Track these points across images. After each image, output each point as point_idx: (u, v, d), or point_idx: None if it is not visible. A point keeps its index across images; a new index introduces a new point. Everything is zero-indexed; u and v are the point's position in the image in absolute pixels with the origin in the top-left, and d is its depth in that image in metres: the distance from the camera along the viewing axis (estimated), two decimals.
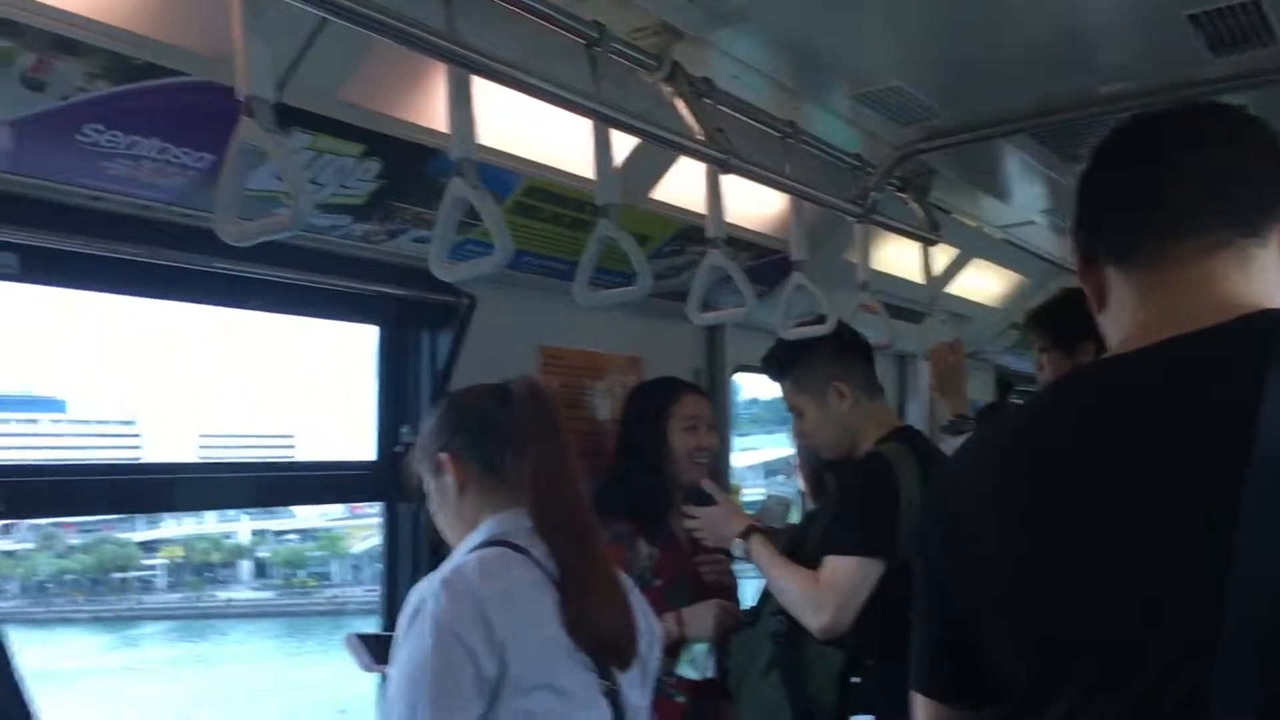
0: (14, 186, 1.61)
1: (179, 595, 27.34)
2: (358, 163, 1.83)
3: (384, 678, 2.12)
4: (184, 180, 1.67)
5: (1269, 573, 0.85)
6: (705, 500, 2.53)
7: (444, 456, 1.74)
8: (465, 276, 1.77)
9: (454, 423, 1.77)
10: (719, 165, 1.99)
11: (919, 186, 2.94)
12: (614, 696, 1.67)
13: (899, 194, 2.89)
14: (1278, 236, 1.04)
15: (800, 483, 3.38)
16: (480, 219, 1.53)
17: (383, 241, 2.09)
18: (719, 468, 3.26)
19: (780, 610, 2.34)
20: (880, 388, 2.59)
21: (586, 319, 2.67)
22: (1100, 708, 0.93)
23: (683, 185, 2.40)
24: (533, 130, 2.06)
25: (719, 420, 3.28)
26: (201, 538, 28.14)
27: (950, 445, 2.99)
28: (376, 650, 1.94)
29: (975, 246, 3.82)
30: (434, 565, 2.35)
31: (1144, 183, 1.08)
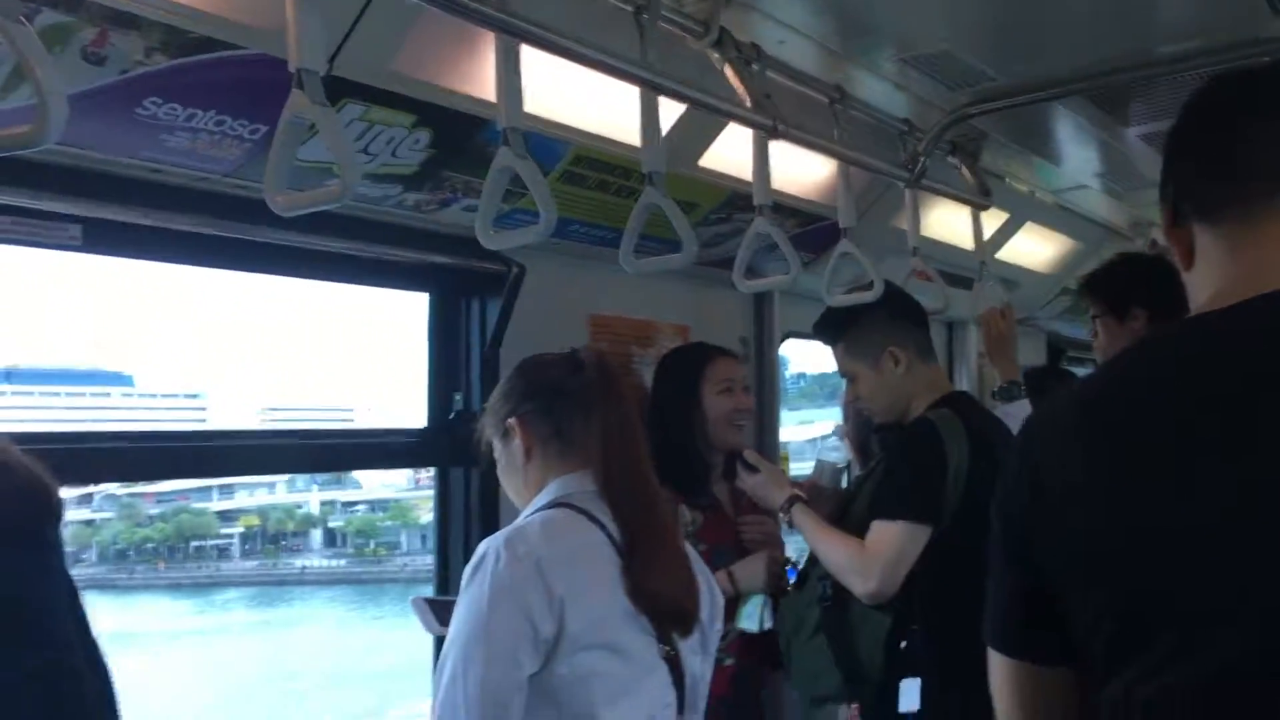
0: (75, 159, 1.65)
1: (255, 562, 28.22)
2: (409, 133, 1.85)
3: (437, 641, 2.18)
4: (240, 152, 1.70)
5: None
6: (751, 469, 2.54)
7: (512, 421, 1.77)
8: (510, 245, 1.79)
9: (523, 389, 1.80)
10: (766, 131, 1.98)
11: (969, 151, 2.91)
12: (674, 662, 1.69)
13: (949, 158, 2.86)
14: None
15: (847, 448, 3.38)
16: (527, 188, 1.54)
17: (434, 211, 2.12)
18: (767, 436, 3.28)
19: (827, 574, 2.35)
20: (934, 352, 2.58)
21: (635, 287, 2.69)
22: (1181, 672, 0.94)
23: (730, 152, 2.39)
24: (581, 98, 2.06)
25: (767, 387, 3.29)
26: (274, 507, 29.01)
27: (1002, 411, 2.97)
28: (441, 613, 1.97)
29: (1027, 211, 3.77)
30: (485, 531, 2.41)
31: (1236, 140, 1.07)
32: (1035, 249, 4.20)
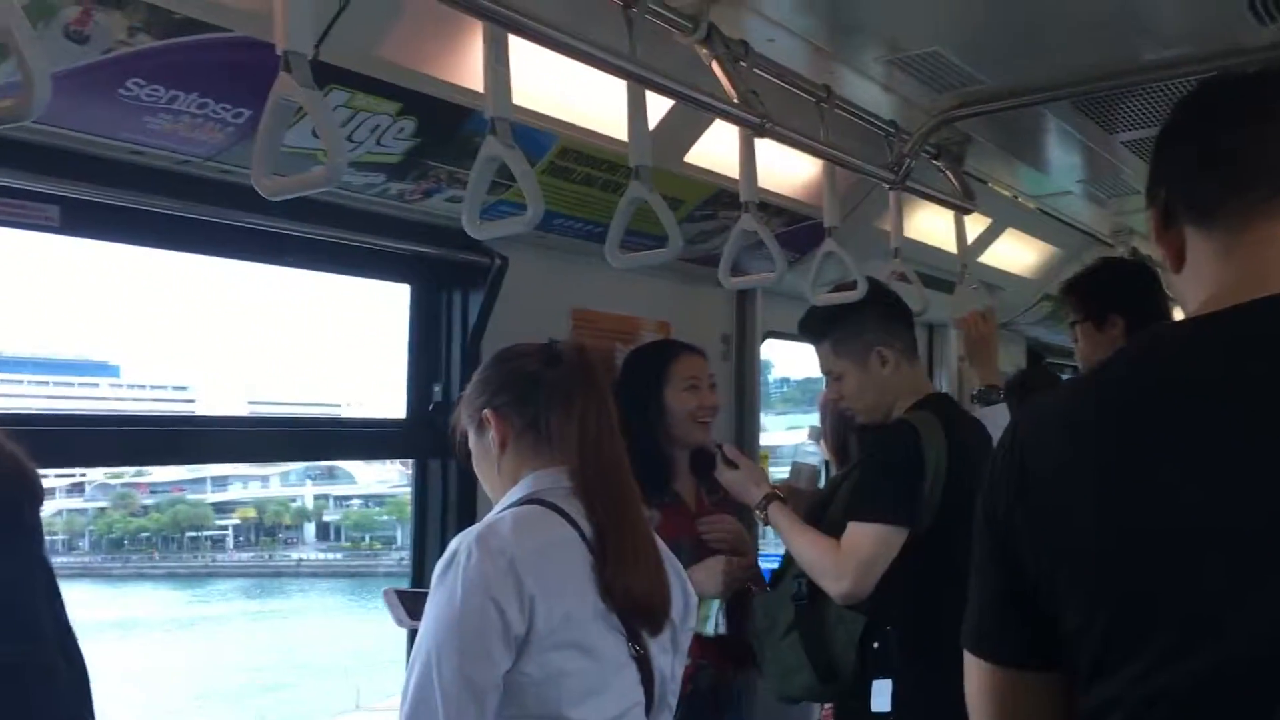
0: (55, 139, 1.63)
1: (250, 554, 28.44)
2: (393, 121, 1.84)
3: (409, 634, 2.16)
4: (222, 136, 1.68)
5: None
6: (730, 465, 2.53)
7: (488, 413, 1.75)
8: (496, 235, 1.78)
9: (499, 380, 1.77)
10: (753, 129, 1.98)
11: (954, 154, 2.91)
12: (643, 662, 1.68)
13: (933, 161, 2.86)
14: None
15: (824, 449, 3.38)
16: (513, 179, 1.53)
17: (417, 200, 2.10)
18: (746, 435, 3.28)
19: (802, 573, 2.35)
20: (918, 353, 2.58)
21: (618, 282, 2.68)
22: (1178, 673, 0.93)
23: (716, 149, 2.39)
24: (568, 91, 2.06)
25: (748, 386, 3.29)
26: (270, 501, 29.22)
27: (980, 414, 2.98)
28: (412, 606, 1.96)
29: (1009, 216, 3.79)
30: (463, 523, 2.39)
31: (1229, 143, 1.07)
32: (1017, 254, 4.22)
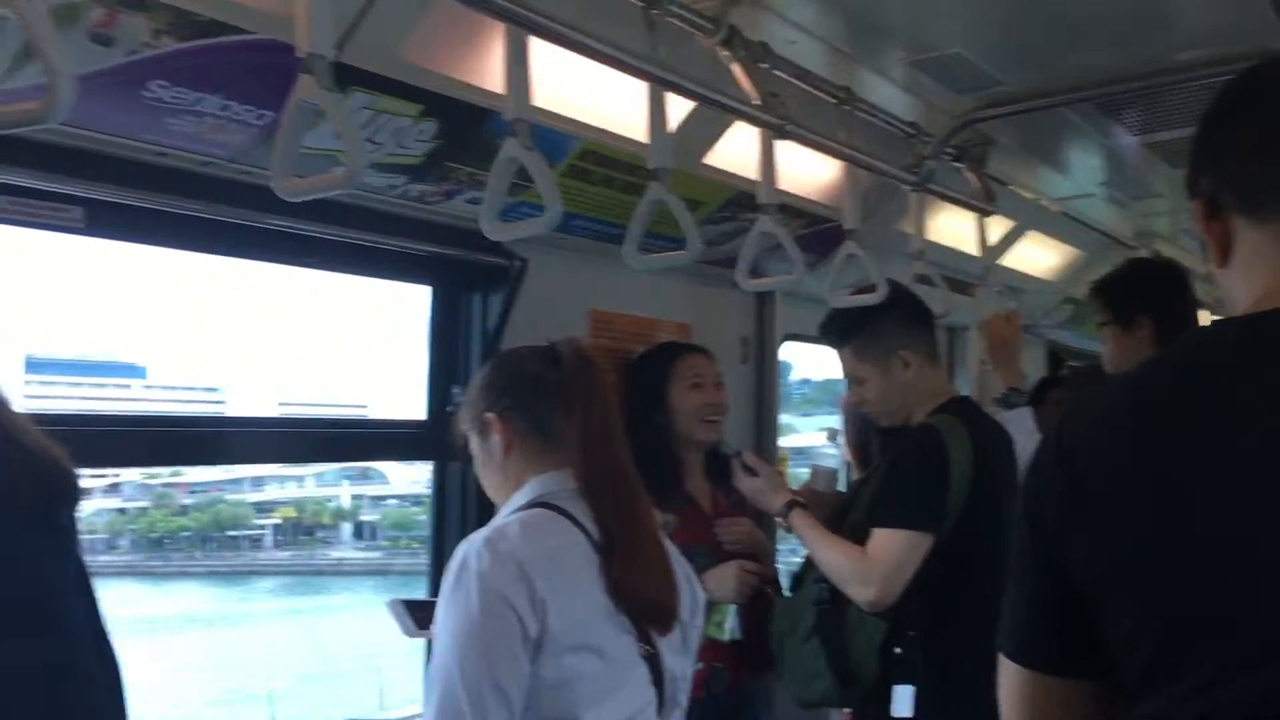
0: (79, 140, 1.64)
1: (290, 553, 28.93)
2: (415, 123, 1.84)
3: (427, 643, 2.15)
4: (245, 137, 1.69)
5: None
6: (750, 472, 2.53)
7: (491, 416, 1.74)
8: (515, 236, 1.78)
9: (501, 383, 1.76)
10: (774, 131, 1.98)
11: (976, 156, 2.90)
12: (653, 661, 1.67)
13: (955, 163, 2.85)
14: None
15: (846, 452, 3.37)
16: (533, 180, 1.53)
17: (438, 202, 2.11)
18: (765, 438, 3.27)
19: (824, 577, 2.34)
20: (939, 357, 2.56)
21: (637, 284, 2.68)
22: (1233, 687, 0.89)
23: (736, 151, 2.39)
24: (588, 93, 2.06)
25: (767, 389, 3.28)
26: (306, 501, 29.69)
27: (1002, 418, 2.97)
28: (418, 615, 1.95)
29: (1031, 219, 3.77)
30: (482, 524, 2.40)
31: None
32: (1038, 257, 4.19)
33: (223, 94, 1.60)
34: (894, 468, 2.38)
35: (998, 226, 3.48)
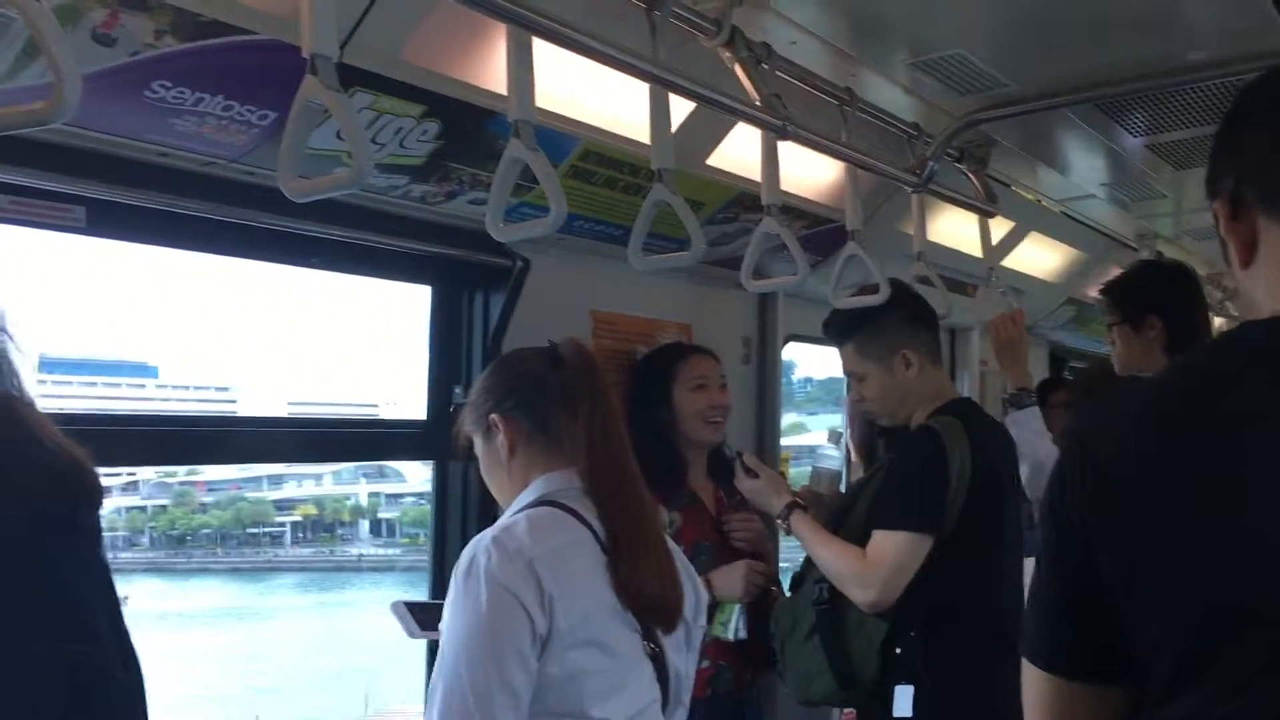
0: (81, 140, 1.64)
1: (310, 550, 29.36)
2: (417, 123, 1.84)
3: (431, 644, 2.15)
4: (247, 138, 1.69)
5: None
6: (750, 474, 2.53)
7: (495, 418, 1.75)
8: (519, 237, 1.78)
9: (504, 385, 1.77)
10: (776, 131, 1.98)
11: (977, 157, 2.90)
12: (658, 659, 1.68)
13: (956, 164, 2.85)
14: None
15: (851, 451, 3.37)
16: (536, 181, 1.53)
17: (440, 203, 2.11)
18: (767, 438, 3.27)
19: (823, 577, 2.34)
20: (941, 357, 2.56)
21: (639, 284, 2.68)
22: (1265, 694, 0.89)
23: (738, 152, 2.39)
24: (591, 94, 2.06)
25: (769, 389, 3.28)
26: (324, 498, 30.05)
27: (1011, 418, 2.97)
28: (422, 617, 1.95)
29: (1032, 219, 3.77)
30: (483, 525, 2.39)
31: None
32: (1040, 258, 4.19)
33: (225, 94, 1.60)
34: (894, 469, 2.39)
35: (999, 227, 3.48)
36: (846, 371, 2.54)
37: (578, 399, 1.71)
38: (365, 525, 30.01)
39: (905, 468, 2.35)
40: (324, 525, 29.94)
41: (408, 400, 2.55)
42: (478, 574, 1.54)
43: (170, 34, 1.46)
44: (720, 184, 2.51)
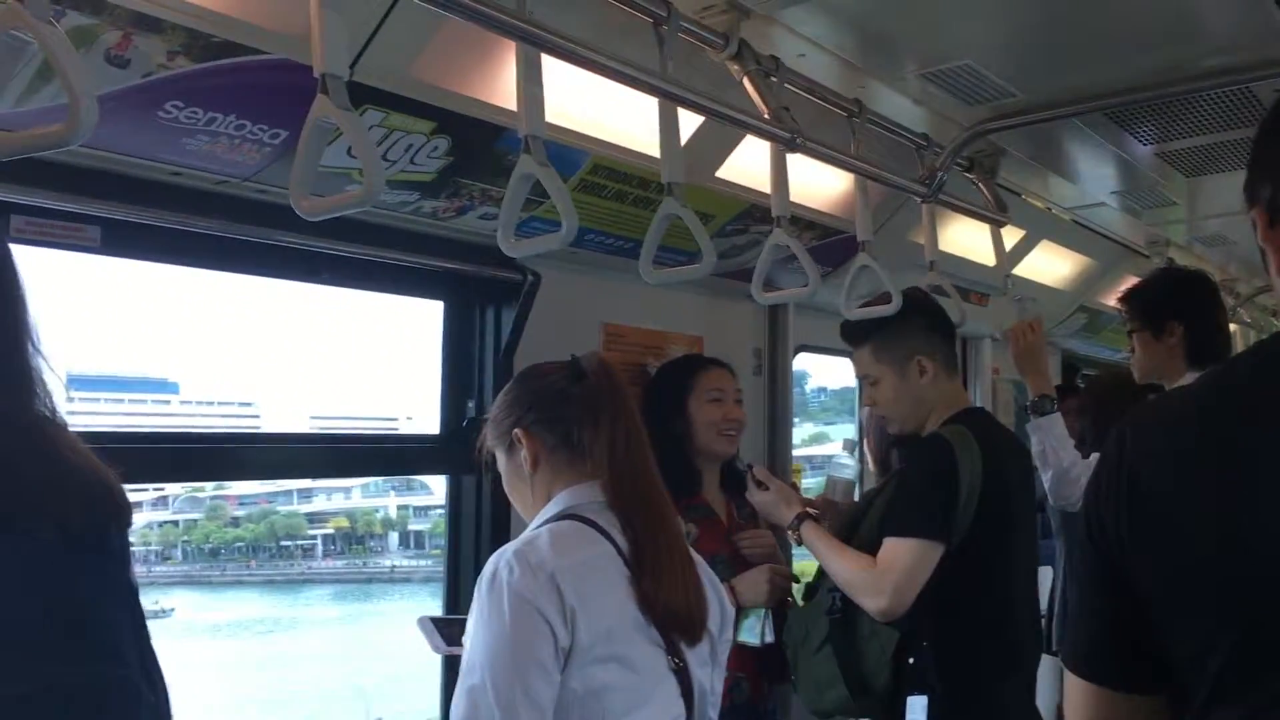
0: (96, 161, 1.66)
1: (343, 562, 29.97)
2: (427, 140, 1.85)
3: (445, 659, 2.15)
4: (260, 156, 1.70)
5: None
6: (761, 486, 2.53)
7: (518, 432, 1.74)
8: (531, 252, 1.79)
9: (527, 399, 1.76)
10: (785, 144, 1.98)
11: (987, 167, 2.90)
12: (682, 674, 1.66)
13: (966, 174, 2.85)
14: None
15: (869, 459, 3.36)
16: (546, 196, 1.54)
17: (450, 218, 2.12)
18: (779, 449, 3.27)
19: (836, 587, 2.34)
20: (957, 367, 2.56)
21: (649, 297, 2.69)
22: None
23: (748, 164, 2.40)
24: (600, 108, 2.07)
25: (780, 400, 3.28)
26: (355, 512, 30.56)
27: (1033, 425, 2.96)
28: (447, 632, 1.95)
29: (1043, 228, 3.76)
30: (496, 538, 2.40)
31: None
32: (1051, 266, 4.19)
33: (237, 114, 1.61)
34: (904, 477, 2.39)
35: (1010, 236, 3.48)
36: (860, 375, 2.53)
37: (600, 412, 1.71)
38: (394, 537, 30.34)
39: (915, 475, 2.35)
40: (355, 538, 30.34)
41: (425, 415, 2.56)
42: (500, 587, 1.53)
43: (183, 55, 1.47)
44: (730, 196, 2.52)
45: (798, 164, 2.10)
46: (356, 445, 2.70)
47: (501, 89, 1.83)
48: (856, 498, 2.84)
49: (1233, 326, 4.12)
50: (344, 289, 2.37)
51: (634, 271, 1.91)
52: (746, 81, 1.95)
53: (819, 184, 2.68)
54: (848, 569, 2.31)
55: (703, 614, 1.72)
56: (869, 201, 2.38)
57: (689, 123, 1.99)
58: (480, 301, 2.50)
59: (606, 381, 1.74)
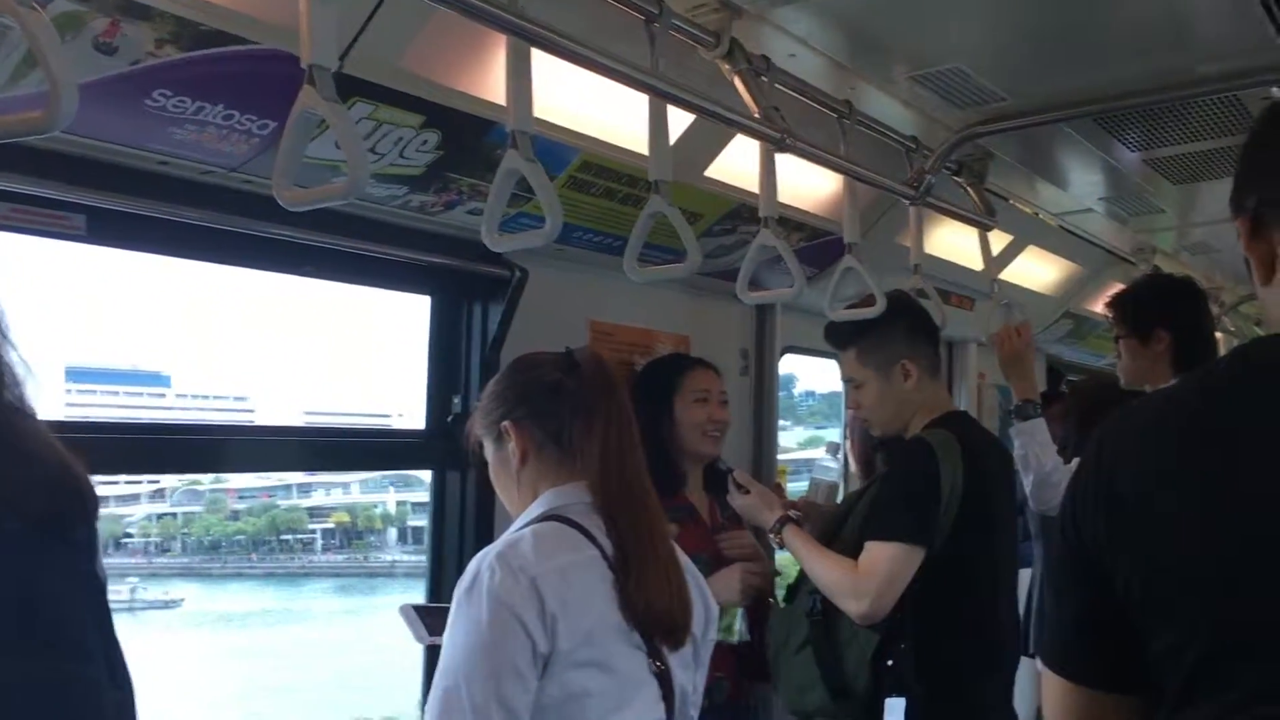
0: (82, 149, 1.65)
1: (343, 556, 30.19)
2: (416, 133, 1.85)
3: (427, 650, 2.14)
4: (247, 147, 1.70)
5: None
6: (741, 490, 2.53)
7: (507, 425, 1.71)
8: (514, 247, 1.79)
9: (518, 390, 1.73)
10: (774, 144, 1.98)
11: (975, 170, 2.91)
12: (664, 677, 1.65)
13: (954, 177, 2.86)
14: None
15: (852, 462, 3.37)
16: (533, 191, 1.54)
17: (438, 212, 2.12)
18: (765, 451, 3.27)
19: (817, 589, 2.35)
20: (940, 371, 2.57)
21: (636, 295, 2.69)
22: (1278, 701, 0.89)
23: (737, 164, 2.40)
24: (589, 105, 2.07)
25: (766, 401, 3.29)
26: (357, 505, 30.71)
27: (1018, 430, 2.97)
28: (430, 621, 1.92)
29: (1030, 233, 3.77)
30: (480, 534, 2.40)
31: None
32: (1037, 271, 4.20)
33: (225, 103, 1.61)
34: (886, 481, 2.39)
35: (997, 240, 3.49)
36: (845, 378, 2.54)
37: (593, 410, 1.68)
38: (393, 533, 30.43)
39: (897, 479, 2.36)
40: (356, 532, 30.48)
41: (415, 410, 2.56)
42: (480, 590, 1.51)
43: (171, 43, 1.46)
44: (719, 195, 2.52)
45: (787, 165, 2.10)
46: (341, 439, 2.70)
47: (492, 83, 1.82)
48: (840, 500, 2.85)
49: (1218, 335, 4.14)
50: (331, 282, 2.37)
51: (622, 269, 1.91)
52: (737, 80, 1.95)
53: (808, 185, 2.69)
54: (829, 572, 2.31)
55: (686, 617, 1.70)
56: (857, 203, 2.38)
57: (679, 121, 1.99)
58: (467, 297, 2.50)
59: (601, 378, 1.71)
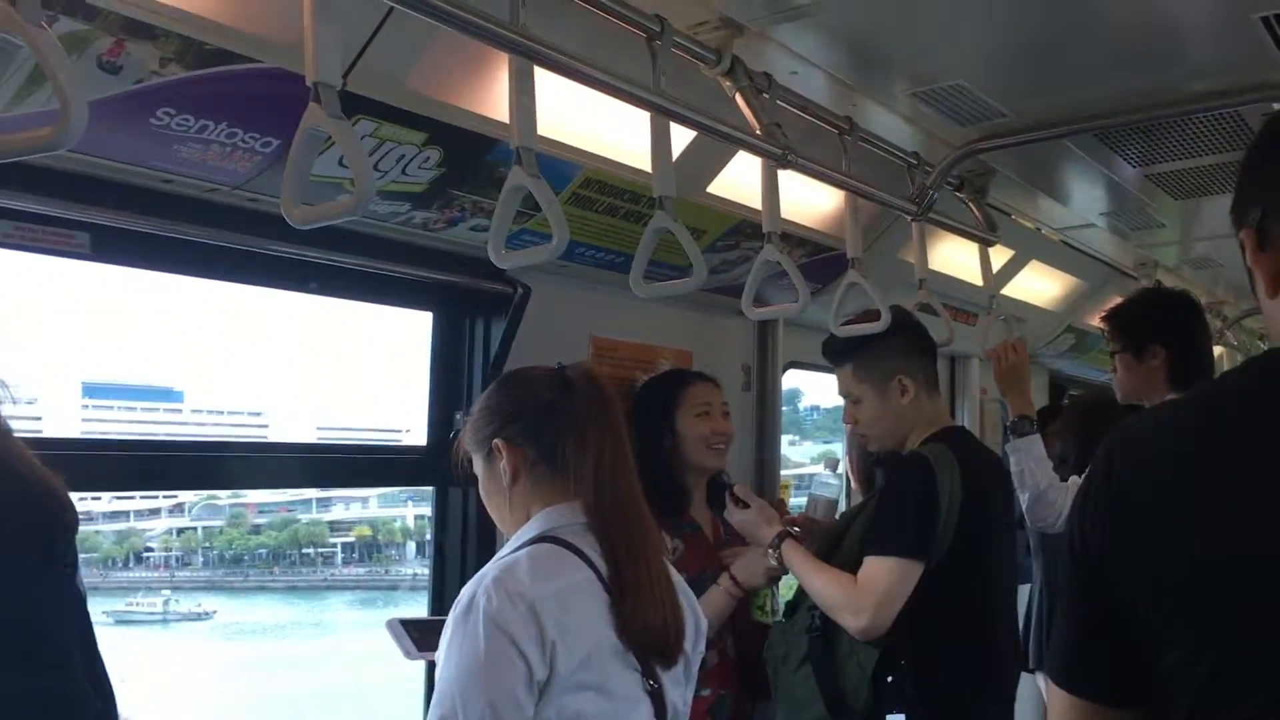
0: (86, 167, 1.66)
1: (364, 570, 30.54)
2: (419, 150, 1.85)
3: (429, 665, 2.13)
4: (251, 164, 1.70)
5: None
6: (741, 505, 2.53)
7: (499, 442, 1.69)
8: (521, 264, 1.79)
9: (510, 407, 1.71)
10: (776, 160, 1.98)
11: (977, 186, 2.91)
12: (657, 696, 1.65)
13: (956, 193, 2.86)
14: None
15: (852, 477, 3.36)
16: (537, 208, 1.54)
17: (441, 229, 2.12)
18: (767, 465, 3.27)
19: (816, 605, 2.34)
20: (938, 386, 2.57)
21: (639, 311, 2.69)
22: None
23: (739, 180, 2.40)
24: (592, 122, 2.07)
25: (769, 416, 3.29)
26: (377, 520, 31.03)
27: (1012, 446, 2.97)
28: (419, 636, 1.88)
29: (1032, 248, 3.78)
30: (482, 551, 2.39)
31: None
32: (1039, 286, 4.21)
33: (229, 121, 1.61)
34: (884, 496, 2.39)
35: (999, 256, 3.49)
36: (842, 393, 2.54)
37: (587, 428, 1.66)
38: (412, 547, 30.62)
39: (895, 494, 2.36)
40: (376, 546, 30.73)
41: (420, 426, 2.56)
42: (477, 616, 1.50)
43: (175, 62, 1.47)
44: (721, 212, 2.52)
45: (789, 181, 2.10)
46: (342, 456, 2.69)
47: (494, 101, 1.83)
48: (839, 515, 2.84)
49: (1220, 349, 4.14)
50: (334, 299, 2.37)
51: (624, 285, 1.91)
52: (739, 98, 1.95)
53: (810, 201, 2.69)
54: (828, 588, 2.31)
55: (679, 636, 1.69)
56: (859, 219, 2.39)
57: (681, 138, 2.00)
58: (470, 313, 2.50)
59: (594, 395, 1.69)
